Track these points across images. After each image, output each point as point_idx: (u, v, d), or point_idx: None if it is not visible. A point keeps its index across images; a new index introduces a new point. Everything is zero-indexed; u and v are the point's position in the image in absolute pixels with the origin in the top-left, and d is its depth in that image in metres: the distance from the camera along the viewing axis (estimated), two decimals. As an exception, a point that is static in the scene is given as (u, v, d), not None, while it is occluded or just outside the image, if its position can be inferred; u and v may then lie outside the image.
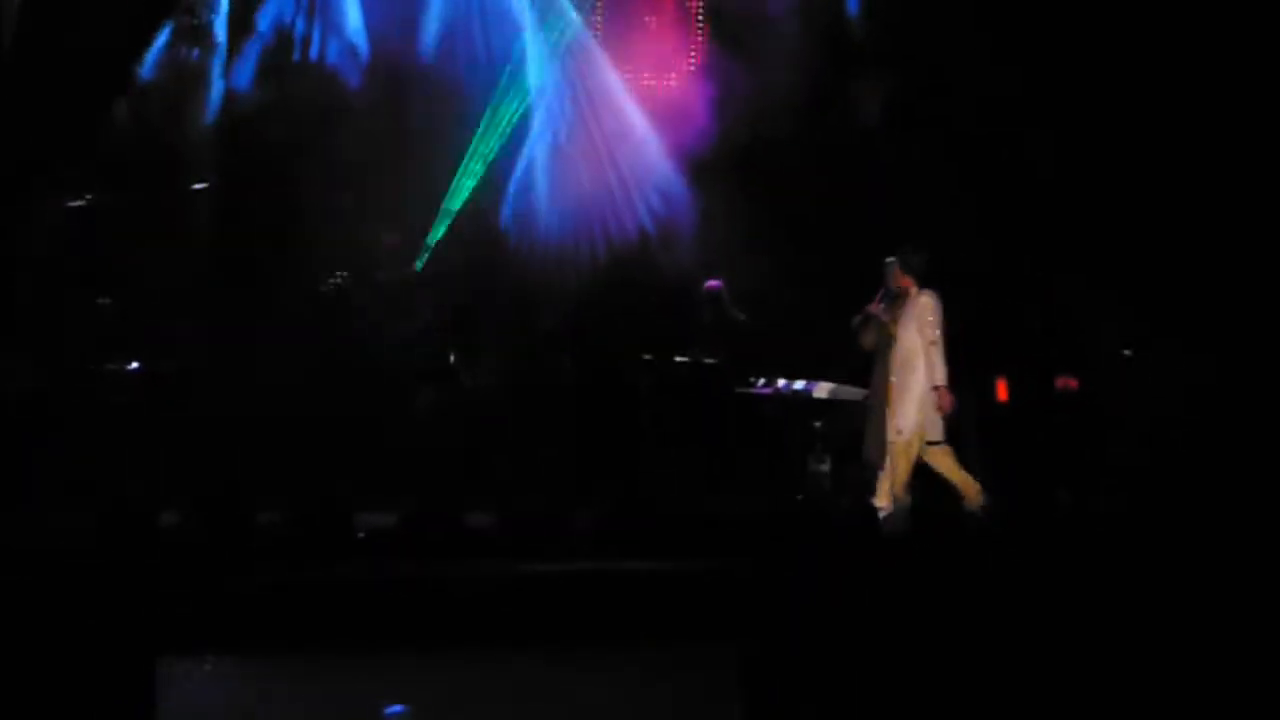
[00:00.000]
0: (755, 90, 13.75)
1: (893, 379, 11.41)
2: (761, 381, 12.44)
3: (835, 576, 7.15)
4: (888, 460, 11.50)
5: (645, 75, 14.11)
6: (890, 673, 6.95)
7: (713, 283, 12.98)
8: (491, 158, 14.04)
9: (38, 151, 13.09)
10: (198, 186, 13.42)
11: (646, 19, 14.13)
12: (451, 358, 12.93)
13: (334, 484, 10.79)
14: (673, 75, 13.99)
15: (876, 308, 11.64)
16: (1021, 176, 13.26)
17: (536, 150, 14.28)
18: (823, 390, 12.24)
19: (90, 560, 6.94)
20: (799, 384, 12.39)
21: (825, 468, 12.19)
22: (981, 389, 12.36)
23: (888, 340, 11.58)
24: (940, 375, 11.28)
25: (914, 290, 11.42)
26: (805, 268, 13.00)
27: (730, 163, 13.68)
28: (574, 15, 14.30)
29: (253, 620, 6.80)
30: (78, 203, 13.01)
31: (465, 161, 13.96)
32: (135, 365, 12.56)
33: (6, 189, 12.94)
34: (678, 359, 12.82)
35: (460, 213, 13.99)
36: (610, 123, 14.28)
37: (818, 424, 12.17)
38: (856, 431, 11.81)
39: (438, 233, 13.91)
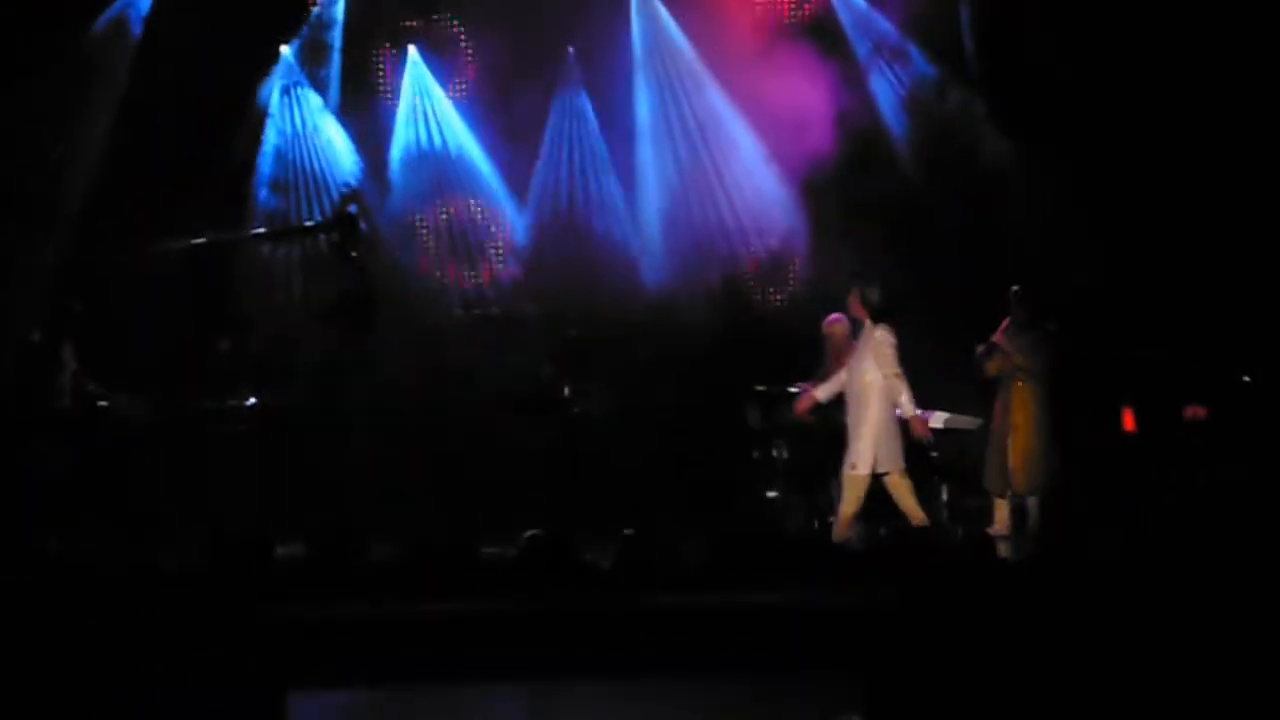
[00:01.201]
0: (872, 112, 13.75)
1: (846, 417, 11.15)
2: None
3: (952, 605, 7.07)
4: (1005, 489, 11.46)
5: (760, 101, 14.03)
6: (1008, 703, 6.85)
7: (835, 317, 12.87)
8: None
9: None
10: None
11: (759, 41, 14.05)
12: (565, 389, 12.96)
13: (450, 515, 10.85)
14: (787, 98, 13.88)
15: (1001, 337, 11.55)
16: (1146, 203, 13.10)
17: (647, 179, 14.32)
18: (938, 419, 12.09)
19: (216, 592, 7.01)
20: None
21: (942, 497, 12.08)
22: (1109, 418, 12.21)
23: (1011, 370, 11.49)
24: (909, 407, 10.96)
25: (868, 324, 11.09)
26: (925, 295, 12.81)
27: (845, 188, 13.62)
28: (684, 42, 14.36)
29: (381, 652, 6.83)
30: (198, 240, 13.21)
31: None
32: (253, 401, 12.71)
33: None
34: (790, 390, 12.75)
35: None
36: (722, 151, 14.27)
37: (934, 453, 12.04)
38: (973, 460, 11.73)
39: None
